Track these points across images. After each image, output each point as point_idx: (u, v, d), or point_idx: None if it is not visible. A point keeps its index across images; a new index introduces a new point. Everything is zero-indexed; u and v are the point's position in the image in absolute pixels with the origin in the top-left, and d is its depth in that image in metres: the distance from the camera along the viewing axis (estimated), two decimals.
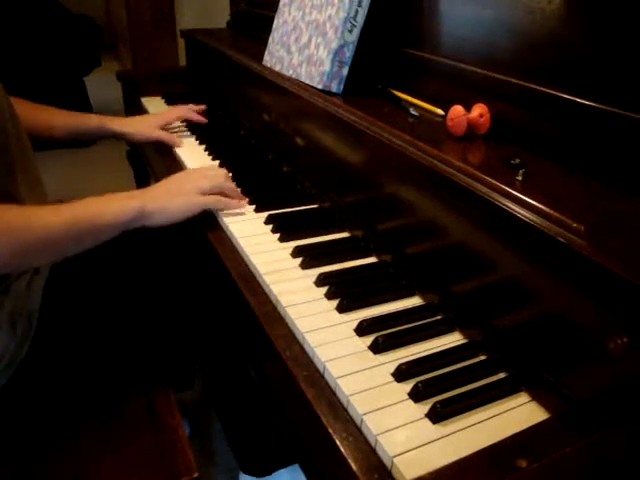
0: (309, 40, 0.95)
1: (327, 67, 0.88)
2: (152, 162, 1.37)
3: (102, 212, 0.76)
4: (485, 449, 0.47)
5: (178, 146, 1.18)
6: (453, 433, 0.49)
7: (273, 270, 0.72)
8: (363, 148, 0.77)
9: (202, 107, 1.31)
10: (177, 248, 1.04)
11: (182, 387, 1.30)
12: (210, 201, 0.86)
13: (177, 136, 1.22)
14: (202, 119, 1.27)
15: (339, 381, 0.54)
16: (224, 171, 0.92)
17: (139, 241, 1.00)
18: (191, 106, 1.30)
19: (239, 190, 0.92)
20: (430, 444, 0.48)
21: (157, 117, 1.25)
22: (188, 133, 1.26)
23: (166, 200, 0.82)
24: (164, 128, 1.21)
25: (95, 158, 2.83)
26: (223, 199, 0.87)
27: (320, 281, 0.70)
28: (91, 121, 1.15)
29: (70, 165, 2.75)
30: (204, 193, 0.85)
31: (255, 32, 1.43)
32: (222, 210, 0.87)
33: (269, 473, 1.09)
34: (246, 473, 1.10)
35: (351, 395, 0.52)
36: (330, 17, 0.89)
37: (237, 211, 0.88)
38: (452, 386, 0.54)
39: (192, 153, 1.14)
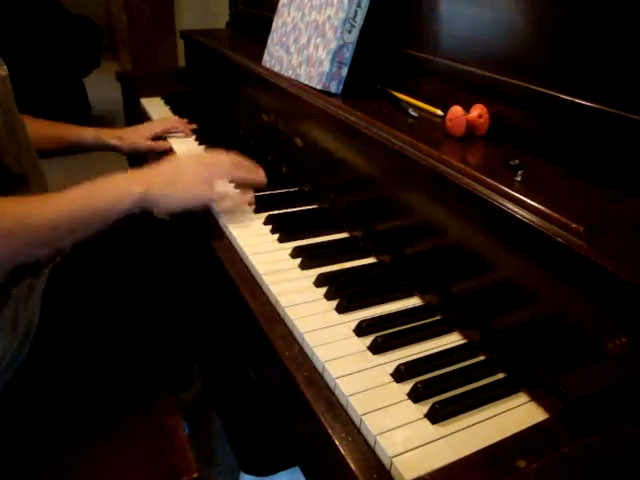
0: (308, 41, 0.95)
1: (326, 68, 0.88)
2: (152, 163, 1.37)
3: (101, 197, 0.72)
4: (484, 449, 0.47)
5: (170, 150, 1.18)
6: (452, 433, 0.49)
7: (272, 270, 0.72)
8: (362, 149, 0.77)
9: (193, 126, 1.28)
10: (176, 249, 1.05)
11: (180, 389, 1.30)
12: (218, 197, 0.83)
13: (176, 137, 1.22)
14: (188, 132, 1.25)
15: (338, 381, 0.54)
16: (234, 158, 0.86)
17: (139, 242, 1.01)
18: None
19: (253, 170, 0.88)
20: (429, 444, 0.48)
21: (148, 127, 1.24)
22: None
23: (171, 186, 0.77)
24: (159, 137, 1.21)
25: (95, 159, 2.82)
26: (231, 193, 0.84)
27: (319, 281, 0.70)
28: (87, 134, 1.14)
29: (69, 166, 2.74)
30: (212, 184, 0.81)
31: (254, 33, 1.43)
32: (229, 207, 0.85)
33: (270, 473, 1.09)
34: (247, 472, 1.10)
35: (350, 395, 0.52)
36: (329, 18, 0.89)
37: (237, 211, 0.87)
38: (451, 386, 0.54)
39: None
